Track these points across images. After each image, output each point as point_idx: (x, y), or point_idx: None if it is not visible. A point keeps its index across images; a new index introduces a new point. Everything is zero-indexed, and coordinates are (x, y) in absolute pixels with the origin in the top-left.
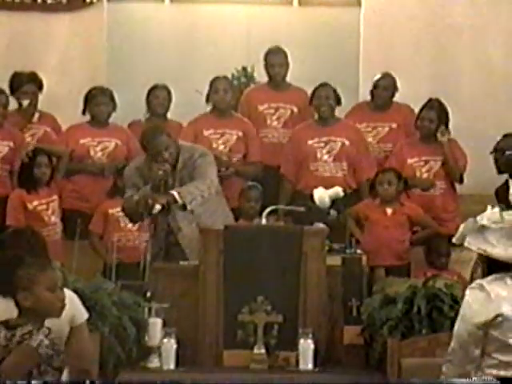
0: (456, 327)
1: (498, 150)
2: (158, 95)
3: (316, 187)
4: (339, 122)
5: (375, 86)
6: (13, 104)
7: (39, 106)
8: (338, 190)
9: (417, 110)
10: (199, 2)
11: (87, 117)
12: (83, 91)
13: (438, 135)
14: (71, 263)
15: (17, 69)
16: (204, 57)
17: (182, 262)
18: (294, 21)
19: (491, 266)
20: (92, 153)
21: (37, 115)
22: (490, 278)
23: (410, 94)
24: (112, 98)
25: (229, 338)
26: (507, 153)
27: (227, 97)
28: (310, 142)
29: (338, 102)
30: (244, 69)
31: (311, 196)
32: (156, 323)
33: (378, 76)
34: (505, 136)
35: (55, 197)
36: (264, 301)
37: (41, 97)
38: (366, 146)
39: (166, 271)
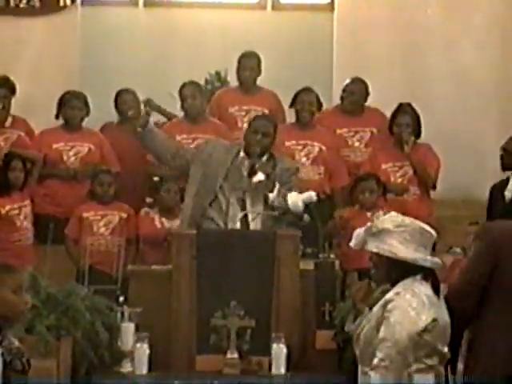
0: (390, 334)
1: (505, 149)
2: (125, 100)
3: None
4: (316, 127)
5: (344, 90)
6: None
7: (12, 111)
8: (311, 195)
9: (389, 114)
10: (173, 7)
11: (61, 121)
12: (57, 95)
13: (405, 147)
14: (43, 268)
15: None
16: (178, 61)
17: (154, 267)
18: (267, 25)
19: (394, 269)
20: (65, 157)
21: (10, 119)
22: (409, 281)
23: (383, 99)
24: (86, 103)
25: (202, 343)
26: None
27: (196, 102)
28: (287, 144)
29: (319, 107)
30: (218, 73)
31: (285, 200)
32: (129, 328)
33: (348, 81)
34: None
35: (27, 201)
36: (237, 305)
37: (14, 101)
38: (339, 154)
39: (138, 276)
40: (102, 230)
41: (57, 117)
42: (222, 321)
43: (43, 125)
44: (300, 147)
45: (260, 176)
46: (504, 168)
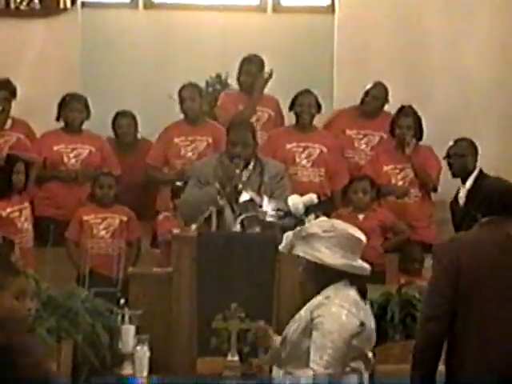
0: (329, 341)
1: (451, 155)
2: (122, 125)
3: (293, 191)
4: (316, 129)
5: (366, 93)
6: None
7: (12, 112)
8: (312, 197)
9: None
10: (174, 9)
11: (61, 123)
12: (57, 97)
13: (406, 149)
14: (44, 270)
15: None
16: (178, 63)
17: (155, 269)
18: (268, 27)
19: (320, 274)
20: (66, 159)
21: (9, 122)
22: (338, 286)
23: None
24: (86, 105)
25: (202, 345)
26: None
27: (195, 105)
28: (288, 146)
29: (319, 109)
30: (218, 75)
31: (285, 202)
32: (129, 330)
33: (371, 84)
34: (456, 141)
35: (27, 204)
36: (238, 308)
37: (14, 103)
38: (342, 155)
39: (139, 278)
40: (102, 233)
41: (57, 119)
42: (222, 323)
43: (43, 127)
44: (301, 149)
45: (245, 196)
46: (454, 174)
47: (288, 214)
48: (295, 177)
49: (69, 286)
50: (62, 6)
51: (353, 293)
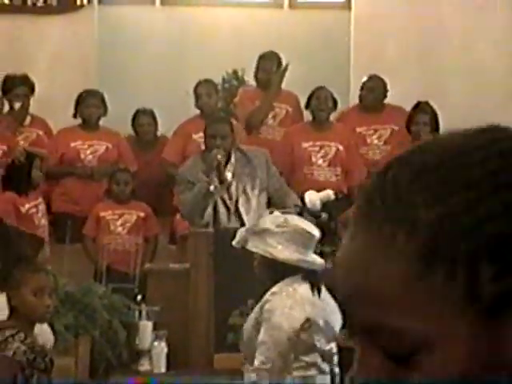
0: (269, 336)
1: None
2: (142, 123)
3: (307, 190)
4: (333, 125)
5: (362, 88)
6: None
7: (30, 109)
8: (329, 193)
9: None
10: (190, 5)
11: (78, 120)
12: (74, 94)
13: None
14: (62, 267)
15: (7, 72)
16: (195, 59)
17: (172, 265)
18: (284, 24)
19: (273, 269)
20: (82, 156)
21: (29, 118)
22: (287, 281)
23: (399, 97)
24: (103, 101)
25: (219, 341)
26: None
27: (211, 101)
28: (304, 145)
29: (335, 105)
30: (235, 72)
31: (302, 198)
32: (146, 326)
33: (365, 78)
34: None
35: (41, 199)
36: (254, 304)
37: (32, 100)
38: (357, 151)
39: (156, 274)
40: (119, 229)
41: (74, 116)
42: (239, 319)
43: (61, 124)
44: (317, 148)
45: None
46: None
47: (305, 210)
48: (311, 176)
49: (86, 282)
50: (78, 2)
51: (302, 288)
